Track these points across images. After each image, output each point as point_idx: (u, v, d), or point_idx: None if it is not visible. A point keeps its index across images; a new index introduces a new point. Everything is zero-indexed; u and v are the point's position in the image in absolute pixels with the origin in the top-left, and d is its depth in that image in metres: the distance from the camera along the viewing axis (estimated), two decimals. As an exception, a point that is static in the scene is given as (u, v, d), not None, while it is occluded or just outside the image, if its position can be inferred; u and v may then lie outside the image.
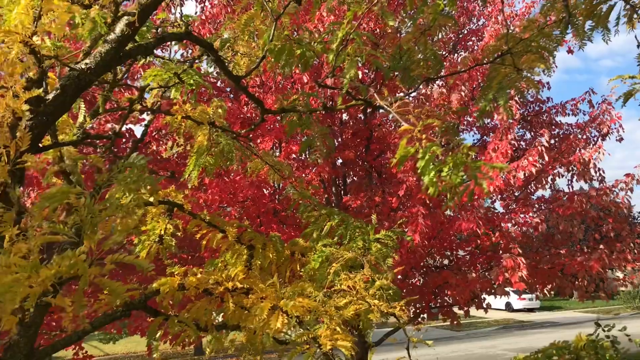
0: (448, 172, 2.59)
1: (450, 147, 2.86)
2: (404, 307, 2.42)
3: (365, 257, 2.77)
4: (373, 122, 10.34)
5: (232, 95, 9.87)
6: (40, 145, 2.20)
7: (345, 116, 10.58)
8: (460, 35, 11.59)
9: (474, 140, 11.17)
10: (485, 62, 3.65)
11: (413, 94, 9.12)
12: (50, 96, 2.09)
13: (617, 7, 3.11)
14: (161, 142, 8.05)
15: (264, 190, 8.51)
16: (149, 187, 2.09)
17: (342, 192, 10.66)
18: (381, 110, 10.78)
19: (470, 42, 11.33)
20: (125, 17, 2.22)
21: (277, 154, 9.61)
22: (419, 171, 2.73)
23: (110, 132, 5.01)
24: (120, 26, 2.25)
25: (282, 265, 3.34)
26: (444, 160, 2.71)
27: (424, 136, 2.77)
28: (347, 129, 10.29)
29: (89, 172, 5.94)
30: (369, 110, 10.23)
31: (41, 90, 1.78)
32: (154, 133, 7.89)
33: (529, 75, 3.34)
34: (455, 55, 11.20)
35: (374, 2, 3.10)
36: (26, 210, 1.63)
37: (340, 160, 10.40)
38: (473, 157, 2.78)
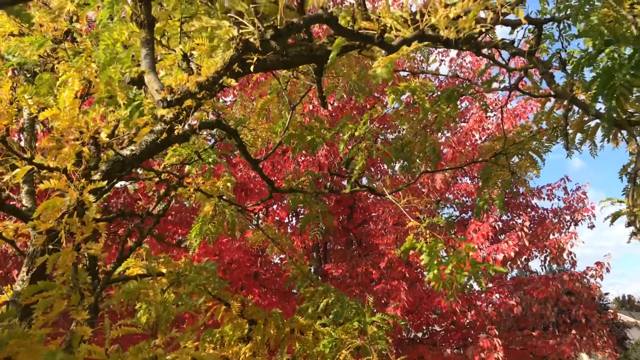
0: (452, 269, 2.80)
1: (451, 245, 3.09)
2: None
3: (372, 345, 2.93)
4: (358, 193, 10.63)
5: (224, 160, 10.10)
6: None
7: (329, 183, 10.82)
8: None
9: (453, 217, 11.51)
10: (480, 160, 3.97)
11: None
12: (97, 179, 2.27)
13: (602, 125, 3.47)
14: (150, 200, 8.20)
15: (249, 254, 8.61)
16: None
17: (322, 258, 10.79)
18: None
19: (452, 124, 11.85)
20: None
21: (261, 215, 9.76)
22: (423, 264, 2.95)
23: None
24: (169, 116, 2.46)
25: (282, 342, 3.46)
26: (446, 256, 2.94)
27: (428, 232, 2.99)
28: (331, 195, 10.54)
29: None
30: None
31: (105, 182, 1.97)
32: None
33: (522, 178, 3.65)
34: (439, 134, 11.68)
35: (385, 108, 3.41)
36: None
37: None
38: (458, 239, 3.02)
